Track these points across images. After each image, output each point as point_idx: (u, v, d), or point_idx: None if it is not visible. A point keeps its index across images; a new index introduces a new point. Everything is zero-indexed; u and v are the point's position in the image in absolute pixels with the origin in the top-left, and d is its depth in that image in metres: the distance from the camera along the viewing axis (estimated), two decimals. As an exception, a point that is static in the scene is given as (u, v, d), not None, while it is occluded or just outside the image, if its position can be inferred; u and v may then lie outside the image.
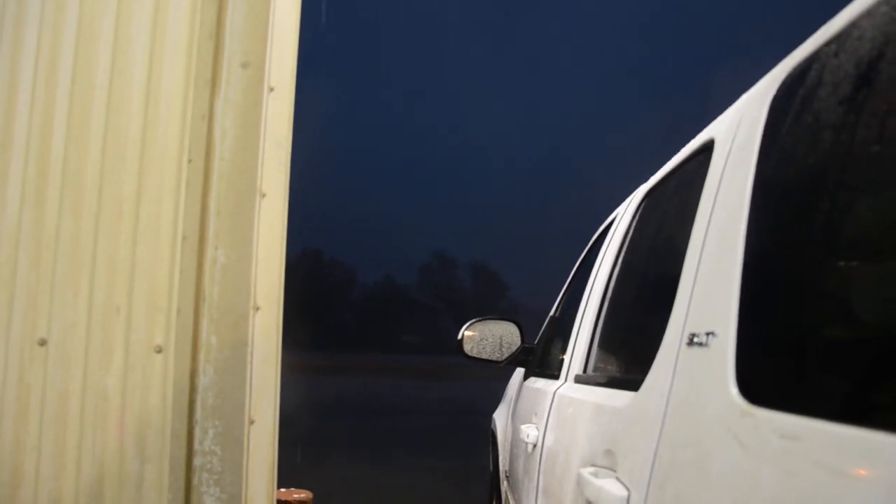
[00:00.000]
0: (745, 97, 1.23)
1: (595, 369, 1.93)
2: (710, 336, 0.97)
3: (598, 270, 2.22)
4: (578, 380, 1.97)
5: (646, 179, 2.02)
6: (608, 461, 1.32)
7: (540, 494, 2.03)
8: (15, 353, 1.62)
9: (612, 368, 1.80)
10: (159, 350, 1.72)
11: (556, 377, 2.30)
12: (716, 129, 1.32)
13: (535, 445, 2.23)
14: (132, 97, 1.73)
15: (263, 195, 1.78)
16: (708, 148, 1.31)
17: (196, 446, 1.74)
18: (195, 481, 1.73)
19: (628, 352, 1.70)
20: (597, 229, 2.72)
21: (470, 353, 3.06)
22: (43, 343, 1.64)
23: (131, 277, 1.71)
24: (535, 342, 3.18)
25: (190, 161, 1.77)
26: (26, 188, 1.64)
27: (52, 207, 1.65)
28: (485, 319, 3.14)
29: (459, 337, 3.07)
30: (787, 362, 0.84)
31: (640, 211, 1.96)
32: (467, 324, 3.11)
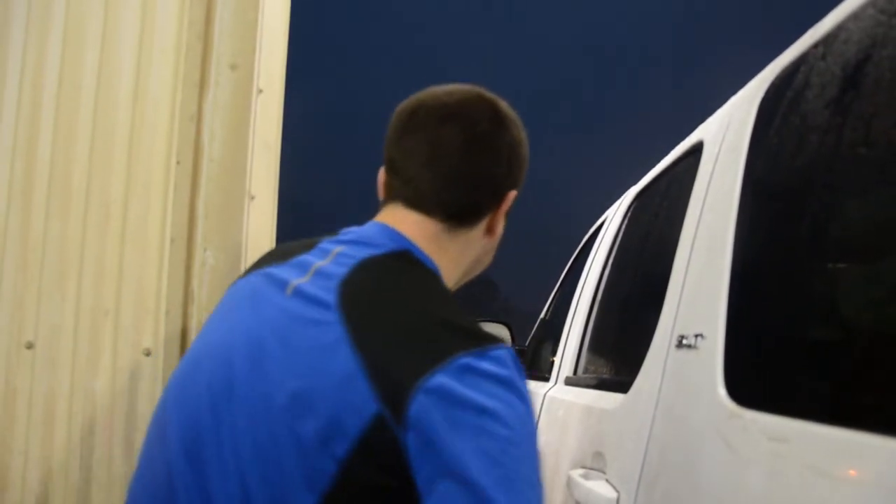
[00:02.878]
0: (733, 99, 1.23)
1: (585, 371, 1.93)
2: (699, 338, 0.98)
3: (588, 273, 2.22)
4: (568, 382, 1.97)
5: (636, 181, 2.03)
6: (598, 463, 1.33)
7: None
8: (1, 357, 1.61)
9: (602, 370, 1.81)
10: (148, 353, 1.71)
11: (547, 379, 2.30)
12: (705, 132, 1.33)
13: (525, 447, 2.22)
14: (119, 98, 1.72)
15: (252, 197, 1.77)
16: (697, 150, 1.31)
17: (185, 450, 1.73)
18: (184, 485, 1.72)
19: (618, 354, 1.70)
20: (587, 231, 2.72)
21: (460, 356, 3.04)
22: (30, 346, 1.63)
23: (119, 280, 1.70)
24: (526, 344, 3.18)
25: (178, 163, 1.76)
26: (12, 190, 1.62)
27: (39, 209, 1.64)
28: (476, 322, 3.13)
29: (450, 339, 3.05)
30: (775, 364, 0.84)
31: (629, 213, 1.97)
32: (458, 326, 3.09)
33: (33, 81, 1.65)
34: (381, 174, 1.06)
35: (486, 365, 0.83)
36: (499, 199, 1.03)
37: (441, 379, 0.80)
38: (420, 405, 0.79)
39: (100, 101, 1.70)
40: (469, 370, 0.82)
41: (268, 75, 1.82)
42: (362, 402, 0.80)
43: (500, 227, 1.06)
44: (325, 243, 0.98)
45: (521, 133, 1.05)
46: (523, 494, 0.79)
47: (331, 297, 0.88)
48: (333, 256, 0.95)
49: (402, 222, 0.99)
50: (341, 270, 0.91)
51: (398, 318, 0.87)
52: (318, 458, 0.81)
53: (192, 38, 1.79)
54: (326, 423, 0.81)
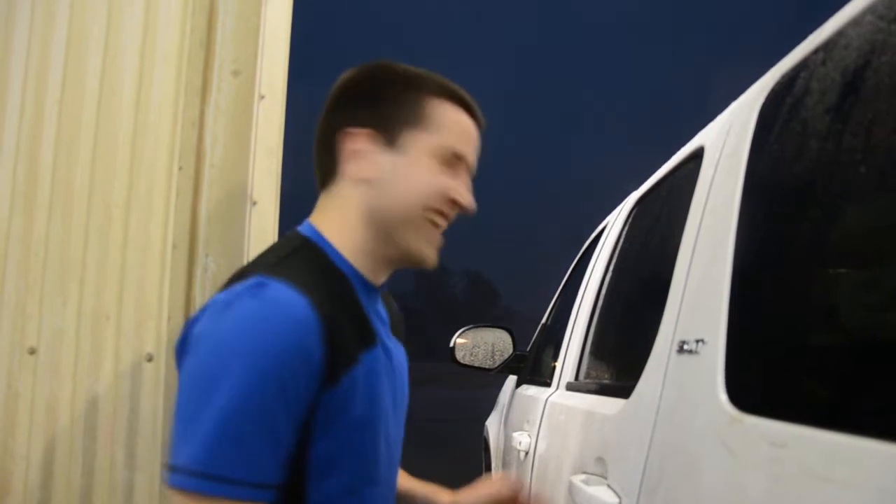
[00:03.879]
0: (734, 105, 1.23)
1: (586, 377, 1.93)
2: (700, 343, 0.98)
3: (589, 278, 2.22)
4: (570, 387, 1.97)
5: (638, 187, 2.03)
6: (599, 468, 1.32)
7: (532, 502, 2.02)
8: (4, 362, 1.61)
9: (603, 376, 1.81)
10: (150, 358, 1.71)
11: (548, 384, 2.30)
12: (705, 137, 1.33)
13: (527, 453, 2.23)
14: (122, 104, 1.72)
15: (254, 203, 1.78)
16: (698, 155, 1.31)
17: (186, 455, 1.73)
18: (185, 490, 1.72)
19: (619, 359, 1.70)
20: (589, 236, 2.73)
21: (462, 361, 3.05)
22: (32, 351, 1.63)
23: (121, 285, 1.70)
24: (528, 350, 3.18)
25: (180, 168, 1.76)
26: (15, 195, 1.63)
27: (42, 215, 1.64)
28: (477, 327, 3.14)
29: (452, 344, 3.06)
30: (776, 369, 0.84)
31: (630, 218, 1.97)
32: (459, 331, 3.10)
33: (36, 87, 1.66)
34: None
35: (221, 295, 0.89)
36: (332, 141, 1.03)
37: (199, 319, 0.89)
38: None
39: (102, 107, 1.71)
40: (212, 303, 0.89)
41: (269, 81, 1.82)
42: None
43: (367, 165, 1.02)
44: None
45: (362, 70, 1.06)
46: (177, 425, 0.84)
47: None
48: None
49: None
50: None
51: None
52: None
53: (195, 44, 1.80)
54: None
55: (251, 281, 0.87)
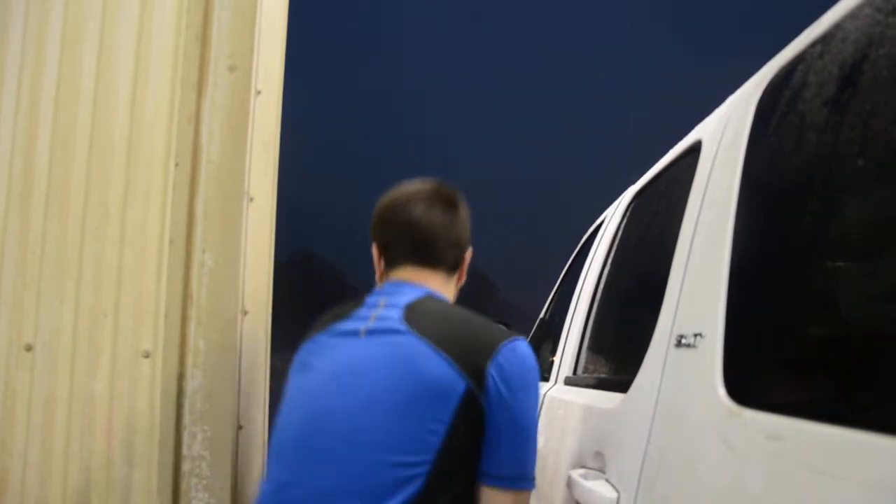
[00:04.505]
0: (731, 99, 1.23)
1: (585, 371, 1.93)
2: (698, 337, 0.98)
3: (587, 272, 2.22)
4: (568, 382, 1.97)
5: (635, 181, 2.03)
6: (598, 463, 1.33)
7: (531, 497, 2.03)
8: (1, 359, 1.61)
9: (602, 370, 1.81)
10: (147, 355, 1.71)
11: (546, 379, 2.30)
12: (703, 131, 1.33)
13: (525, 448, 2.22)
14: (118, 100, 1.72)
15: (251, 198, 1.77)
16: (695, 149, 1.31)
17: (184, 451, 1.73)
18: (183, 487, 1.72)
19: (617, 353, 1.70)
20: (586, 231, 2.72)
21: (460, 356, 3.04)
22: (29, 348, 1.63)
23: (118, 282, 1.70)
24: (526, 344, 3.17)
25: (177, 164, 1.76)
26: (12, 192, 1.63)
27: (38, 212, 1.64)
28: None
29: (449, 339, 3.05)
30: (774, 363, 0.84)
31: (628, 212, 1.97)
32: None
33: (31, 84, 1.65)
34: (376, 251, 1.45)
35: (517, 349, 1.28)
36: (464, 253, 1.47)
37: (499, 359, 1.25)
38: (491, 379, 1.23)
39: (98, 104, 1.70)
40: (512, 352, 1.27)
41: (266, 76, 1.82)
42: (456, 383, 1.21)
43: (464, 275, 1.52)
44: (370, 299, 1.37)
45: (460, 195, 1.47)
46: (527, 446, 1.28)
47: (401, 326, 1.27)
48: (383, 306, 1.33)
49: (418, 277, 1.40)
50: (396, 311, 1.30)
51: (456, 327, 1.28)
52: (430, 426, 1.20)
53: (191, 39, 1.79)
54: (432, 402, 1.20)
55: (524, 343, 1.31)
